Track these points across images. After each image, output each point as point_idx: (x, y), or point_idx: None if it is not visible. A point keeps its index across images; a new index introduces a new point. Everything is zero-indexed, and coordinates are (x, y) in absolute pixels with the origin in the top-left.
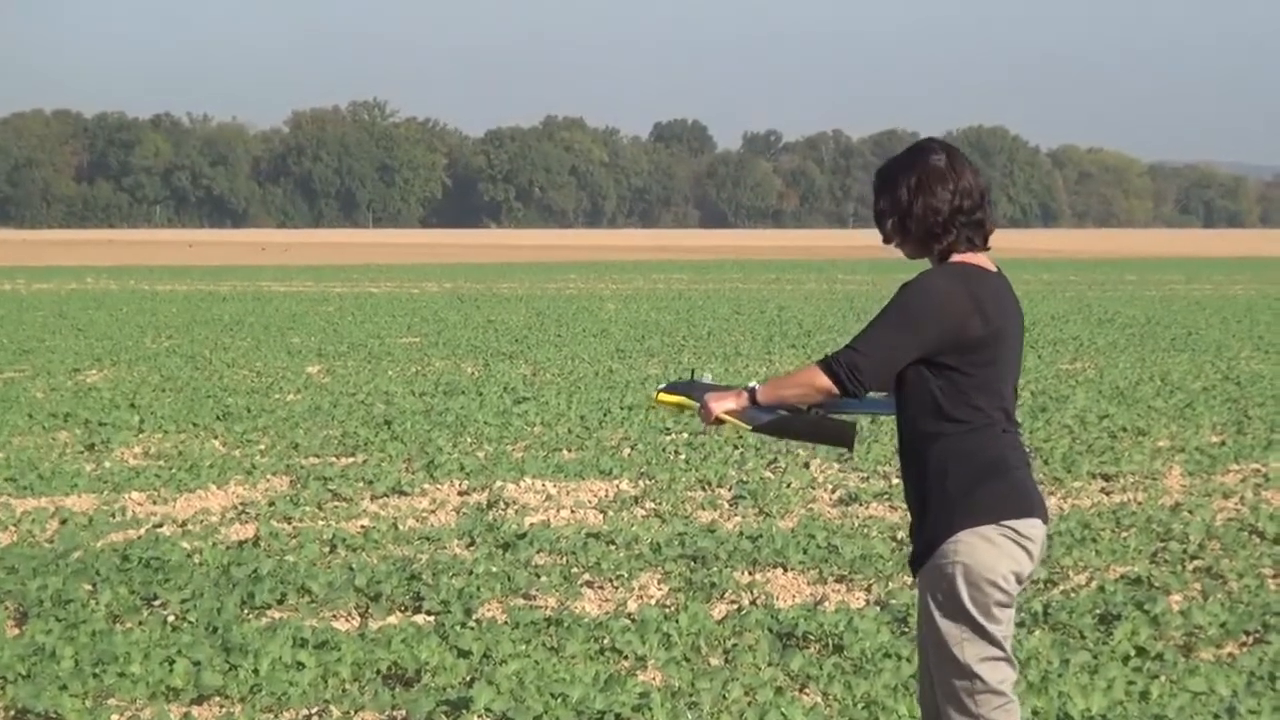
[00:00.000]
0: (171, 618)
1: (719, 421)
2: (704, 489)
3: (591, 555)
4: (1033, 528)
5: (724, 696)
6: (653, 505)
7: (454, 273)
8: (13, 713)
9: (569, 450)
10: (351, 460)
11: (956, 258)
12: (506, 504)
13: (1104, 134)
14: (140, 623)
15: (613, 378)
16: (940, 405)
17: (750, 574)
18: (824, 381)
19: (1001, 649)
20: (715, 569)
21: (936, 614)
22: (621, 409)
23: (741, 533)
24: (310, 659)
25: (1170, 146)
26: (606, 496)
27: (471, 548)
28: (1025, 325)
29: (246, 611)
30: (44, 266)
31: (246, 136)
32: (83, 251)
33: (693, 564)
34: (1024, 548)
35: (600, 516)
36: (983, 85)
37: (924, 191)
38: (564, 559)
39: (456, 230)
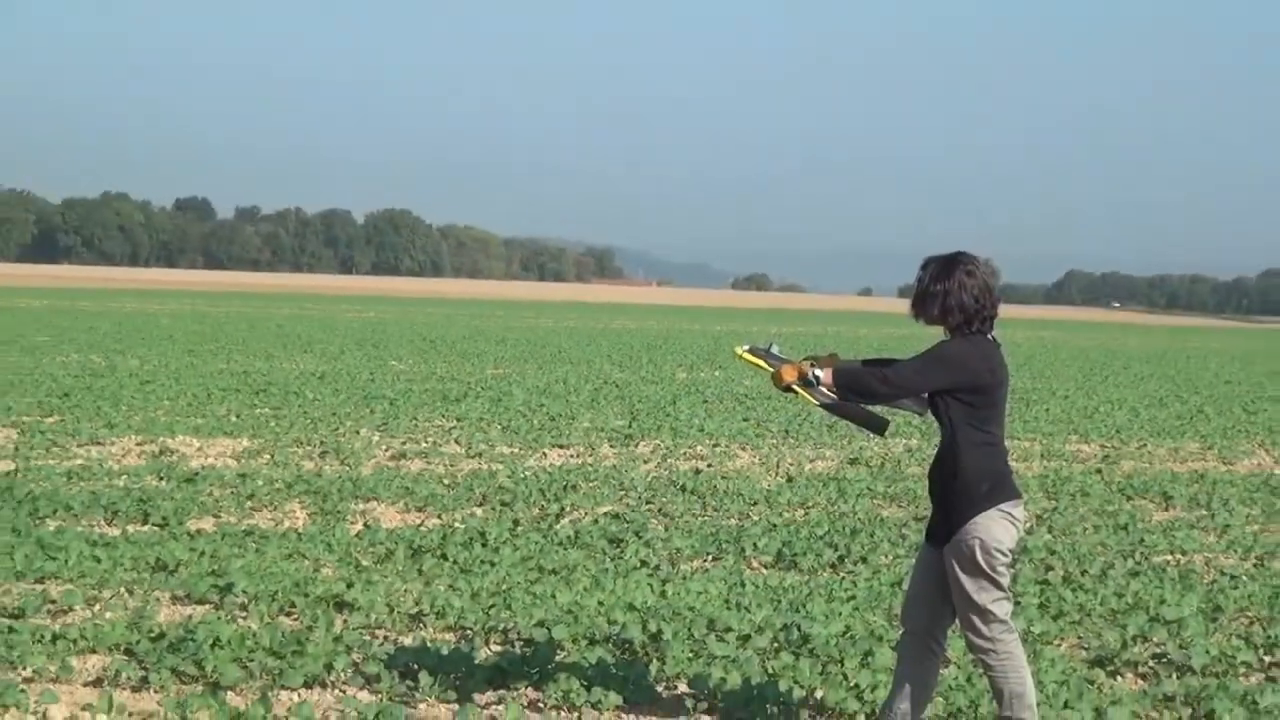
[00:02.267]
0: None
1: (789, 389)
2: (302, 446)
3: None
4: (1017, 508)
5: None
6: (269, 456)
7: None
8: None
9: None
10: (53, 417)
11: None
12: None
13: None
14: None
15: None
16: (968, 427)
17: (361, 504)
18: (877, 388)
19: (1005, 592)
20: (338, 500)
21: (961, 573)
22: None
23: (328, 474)
24: (102, 553)
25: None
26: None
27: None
28: None
29: (34, 519)
30: None
31: None
32: None
33: (320, 497)
34: (1015, 525)
35: (236, 462)
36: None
37: (966, 291)
38: (229, 490)
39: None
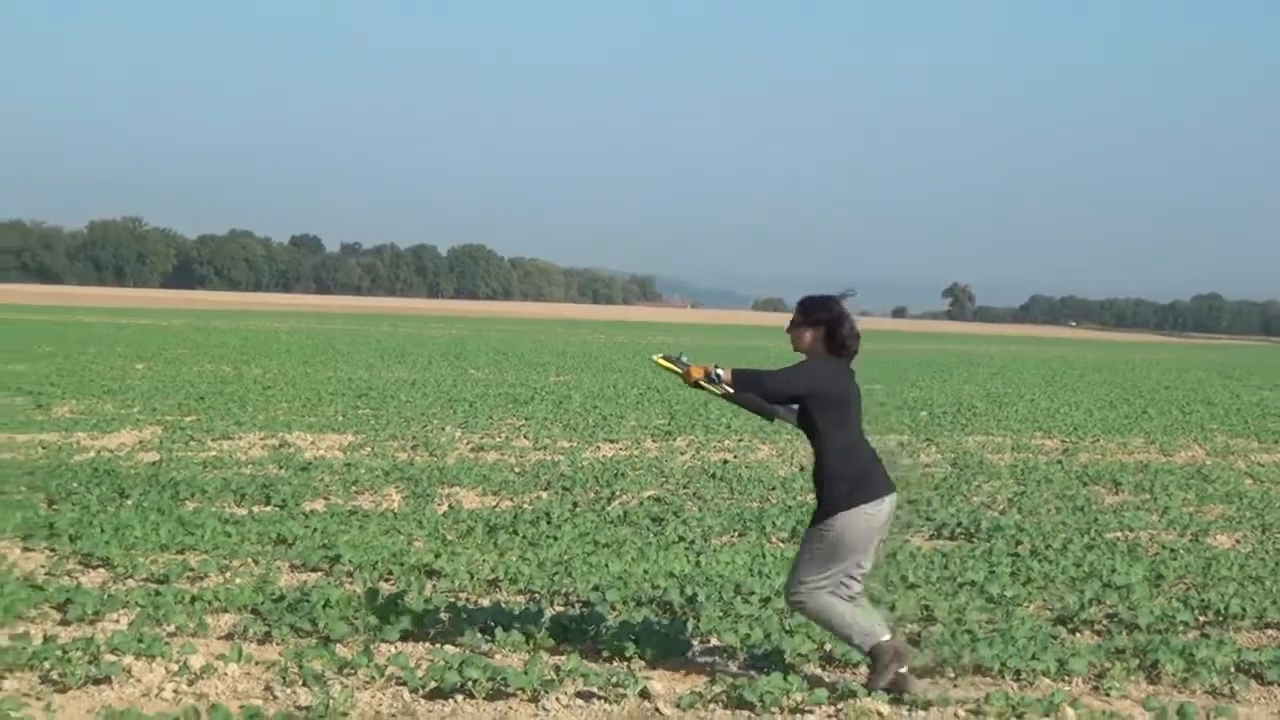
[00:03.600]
0: (133, 503)
1: (696, 385)
2: (397, 440)
3: (352, 474)
4: (880, 505)
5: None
6: (370, 449)
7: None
8: (77, 559)
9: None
10: (191, 417)
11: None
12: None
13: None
14: (120, 507)
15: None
16: (829, 435)
17: (446, 488)
18: (765, 382)
19: (830, 574)
20: (428, 485)
21: (811, 546)
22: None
23: (419, 463)
24: (232, 529)
25: None
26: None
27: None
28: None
29: (176, 501)
30: None
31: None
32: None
33: (412, 483)
34: (872, 521)
35: (343, 454)
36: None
37: (840, 327)
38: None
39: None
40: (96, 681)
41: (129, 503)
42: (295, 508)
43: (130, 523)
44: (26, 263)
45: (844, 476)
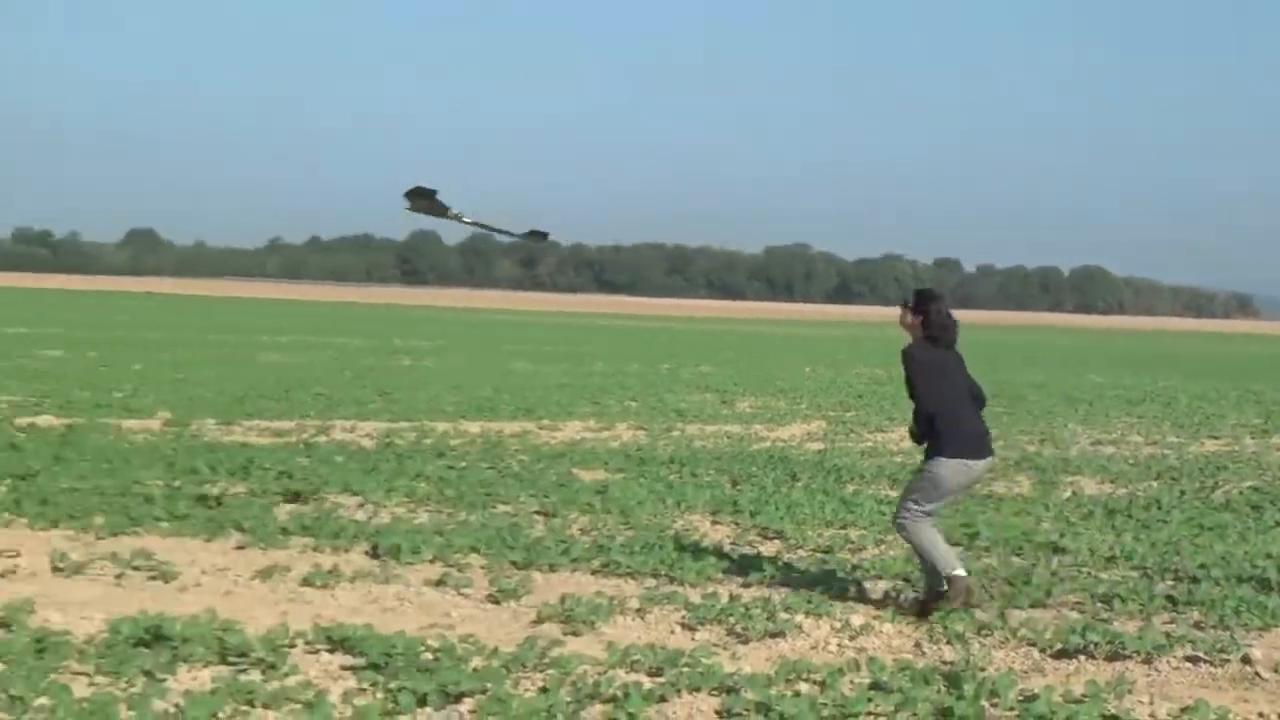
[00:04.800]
0: (802, 485)
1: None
2: (1025, 434)
3: None
4: (976, 464)
5: None
6: (1002, 442)
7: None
8: (756, 531)
9: None
10: (850, 412)
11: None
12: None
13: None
14: (792, 489)
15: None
16: (931, 398)
17: (1069, 476)
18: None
19: (928, 506)
20: (1053, 474)
21: (919, 486)
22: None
23: (1045, 455)
24: (886, 509)
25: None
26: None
27: None
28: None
29: (838, 484)
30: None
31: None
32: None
33: (1040, 471)
34: (968, 473)
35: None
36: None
37: (937, 314)
38: None
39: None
40: (773, 635)
41: (799, 485)
42: None
43: (800, 502)
44: (713, 280)
45: (948, 433)
